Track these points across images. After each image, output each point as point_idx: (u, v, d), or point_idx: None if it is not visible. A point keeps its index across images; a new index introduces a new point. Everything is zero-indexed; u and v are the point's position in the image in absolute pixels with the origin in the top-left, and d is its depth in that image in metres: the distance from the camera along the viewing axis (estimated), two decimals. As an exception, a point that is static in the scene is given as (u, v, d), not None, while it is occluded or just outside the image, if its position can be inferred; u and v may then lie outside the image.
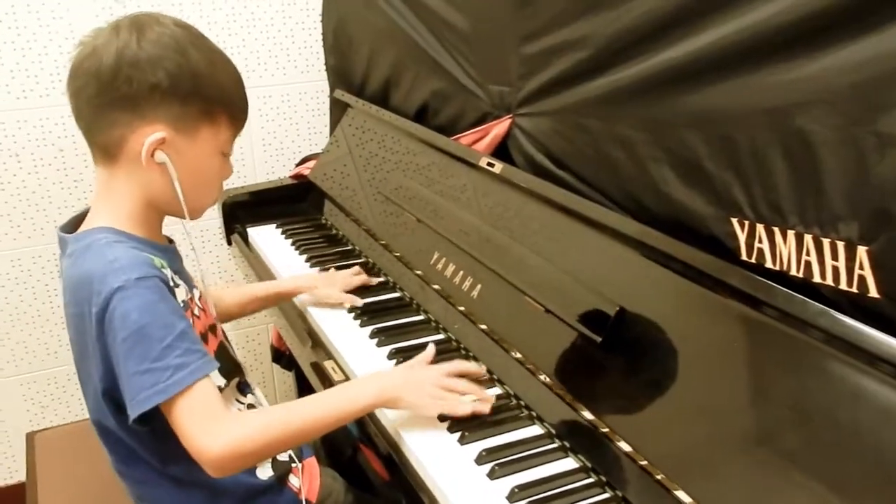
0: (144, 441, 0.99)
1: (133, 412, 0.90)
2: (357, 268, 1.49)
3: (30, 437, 1.55)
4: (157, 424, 0.93)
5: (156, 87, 0.93)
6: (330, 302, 1.40)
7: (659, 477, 0.87)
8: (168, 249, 1.05)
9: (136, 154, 0.96)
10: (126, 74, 0.92)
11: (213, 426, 0.90)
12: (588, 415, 0.99)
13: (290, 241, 1.73)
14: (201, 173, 1.02)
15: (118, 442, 1.00)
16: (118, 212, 0.99)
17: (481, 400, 1.05)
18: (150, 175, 0.97)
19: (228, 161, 1.06)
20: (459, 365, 1.10)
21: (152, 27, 0.95)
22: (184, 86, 0.95)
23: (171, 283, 0.97)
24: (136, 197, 0.99)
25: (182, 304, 0.98)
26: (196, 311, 1.04)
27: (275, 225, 1.84)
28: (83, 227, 1.00)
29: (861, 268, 0.75)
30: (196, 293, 1.07)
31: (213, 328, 1.09)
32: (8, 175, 1.91)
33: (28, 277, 2.01)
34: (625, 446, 0.92)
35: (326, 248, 1.68)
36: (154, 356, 0.89)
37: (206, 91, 0.97)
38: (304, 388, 2.06)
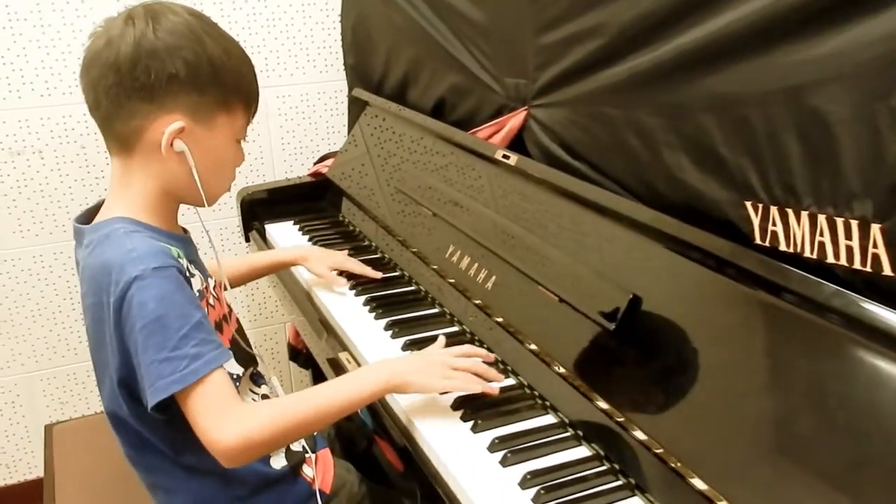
0: (158, 430, 0.99)
1: (151, 400, 0.90)
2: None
3: (48, 429, 1.57)
4: (173, 413, 0.94)
5: (174, 77, 0.94)
6: (318, 278, 1.46)
7: (674, 465, 0.86)
8: (184, 239, 1.06)
9: (154, 143, 0.97)
10: (145, 65, 0.93)
11: (225, 417, 0.91)
12: (602, 404, 0.98)
13: (307, 237, 1.74)
14: (218, 160, 1.03)
15: (131, 431, 1.01)
16: (135, 202, 1.00)
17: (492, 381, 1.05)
18: (168, 164, 0.98)
19: (241, 148, 1.07)
20: (468, 348, 1.11)
21: (167, 16, 0.96)
22: (202, 75, 0.96)
23: (188, 273, 0.98)
24: (153, 186, 1.00)
25: (197, 294, 0.99)
26: (211, 301, 1.05)
27: (292, 222, 1.85)
28: (99, 218, 1.01)
29: (875, 246, 0.74)
30: (211, 282, 1.08)
31: (226, 317, 1.10)
32: (31, 172, 1.94)
33: (49, 274, 2.03)
34: (640, 435, 0.91)
35: (343, 244, 1.68)
36: (172, 345, 0.90)
37: (222, 79, 0.98)
38: (320, 386, 2.06)
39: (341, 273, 1.47)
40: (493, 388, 1.04)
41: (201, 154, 0.99)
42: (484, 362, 1.09)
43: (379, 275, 1.47)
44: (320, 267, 1.46)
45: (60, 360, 2.10)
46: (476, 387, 1.03)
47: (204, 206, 1.03)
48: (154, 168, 0.99)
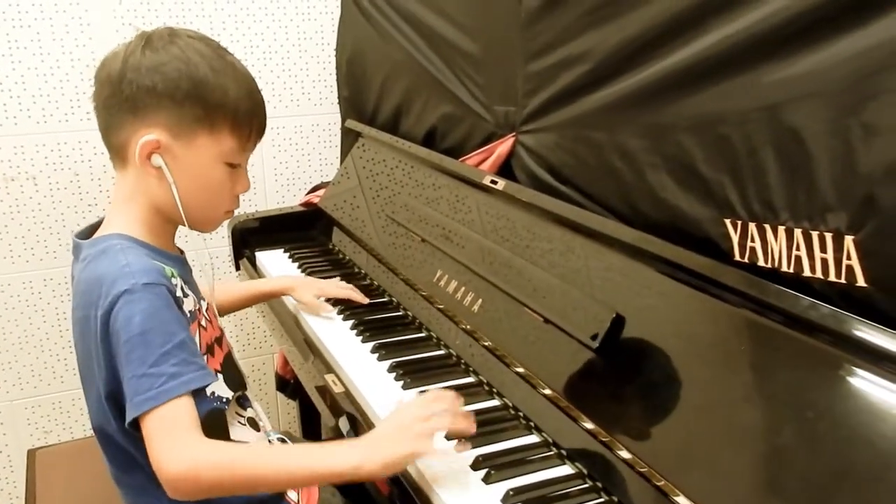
0: (143, 447, 0.99)
1: (129, 415, 0.90)
2: (340, 282, 1.54)
3: (31, 454, 1.55)
4: None
5: (151, 91, 0.96)
6: (305, 306, 1.46)
7: (659, 483, 0.86)
8: (179, 259, 1.07)
9: (140, 157, 0.98)
10: (129, 79, 0.96)
11: (179, 444, 0.89)
12: (587, 423, 0.98)
13: (296, 264, 1.75)
14: (202, 181, 1.02)
15: (118, 448, 1.00)
16: (131, 219, 1.01)
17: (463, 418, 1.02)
18: (151, 179, 0.99)
19: (242, 174, 1.06)
20: (437, 393, 1.04)
21: (162, 37, 0.99)
22: (180, 90, 0.97)
23: (180, 294, 0.99)
24: (144, 202, 1.01)
25: (189, 315, 0.99)
26: (203, 323, 1.05)
27: (282, 250, 1.86)
28: (99, 233, 1.02)
29: (849, 258, 0.76)
30: (203, 304, 1.08)
31: (219, 340, 1.10)
32: (24, 198, 1.95)
33: (38, 300, 2.03)
34: (624, 454, 0.91)
35: (332, 271, 1.69)
36: (152, 361, 0.90)
37: (205, 97, 0.98)
38: (308, 417, 2.05)
39: (328, 300, 1.48)
40: (471, 429, 1.00)
41: (181, 172, 0.99)
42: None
43: (365, 299, 1.48)
44: (306, 295, 1.46)
45: (46, 387, 2.09)
46: (460, 425, 0.99)
47: (187, 226, 1.03)
48: (142, 183, 1.00)
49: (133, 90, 0.96)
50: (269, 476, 0.93)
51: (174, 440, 0.90)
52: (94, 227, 1.05)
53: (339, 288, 1.50)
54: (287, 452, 0.99)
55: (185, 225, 1.03)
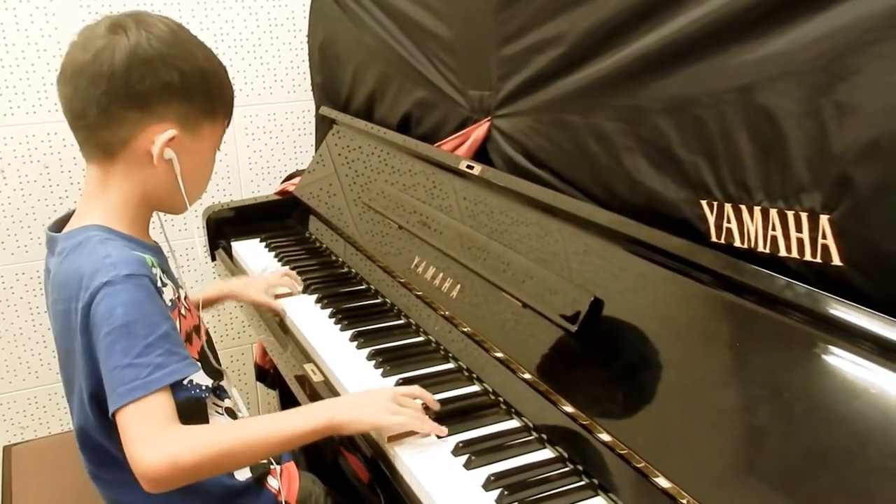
0: (121, 444, 0.98)
1: (112, 406, 0.89)
2: (286, 269, 1.55)
3: (6, 450, 1.53)
4: None
5: (169, 86, 0.95)
6: (255, 303, 1.47)
7: (638, 465, 0.86)
8: (156, 249, 1.05)
9: (141, 151, 0.97)
10: (139, 73, 0.93)
11: (156, 437, 0.88)
12: (567, 407, 0.98)
13: (272, 253, 1.74)
14: (200, 168, 1.05)
15: (97, 446, 0.99)
16: (110, 210, 0.99)
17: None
18: (153, 171, 0.98)
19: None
20: (415, 389, 1.06)
21: (157, 25, 0.96)
22: (194, 84, 0.97)
23: (160, 283, 0.97)
24: (130, 195, 1.00)
25: (170, 304, 0.98)
26: (183, 311, 1.04)
27: (258, 239, 1.85)
28: (72, 225, 1.00)
29: (824, 237, 0.77)
30: (182, 293, 1.07)
31: (197, 329, 1.09)
32: (-7, 191, 1.92)
33: (10, 295, 2.00)
34: (604, 436, 0.92)
35: (309, 259, 1.68)
36: (136, 352, 0.89)
37: (210, 88, 0.99)
38: (288, 406, 2.05)
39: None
40: (442, 429, 1.00)
41: (187, 162, 1.00)
42: (429, 409, 1.04)
43: (300, 286, 1.49)
44: (256, 294, 1.45)
45: (21, 383, 2.06)
46: (425, 427, 0.99)
47: (185, 210, 1.04)
48: (136, 176, 0.99)
49: (146, 85, 0.94)
50: (248, 447, 0.93)
51: (154, 433, 0.88)
52: (66, 220, 1.03)
53: (282, 278, 1.49)
54: (259, 421, 0.97)
55: (178, 212, 1.05)
